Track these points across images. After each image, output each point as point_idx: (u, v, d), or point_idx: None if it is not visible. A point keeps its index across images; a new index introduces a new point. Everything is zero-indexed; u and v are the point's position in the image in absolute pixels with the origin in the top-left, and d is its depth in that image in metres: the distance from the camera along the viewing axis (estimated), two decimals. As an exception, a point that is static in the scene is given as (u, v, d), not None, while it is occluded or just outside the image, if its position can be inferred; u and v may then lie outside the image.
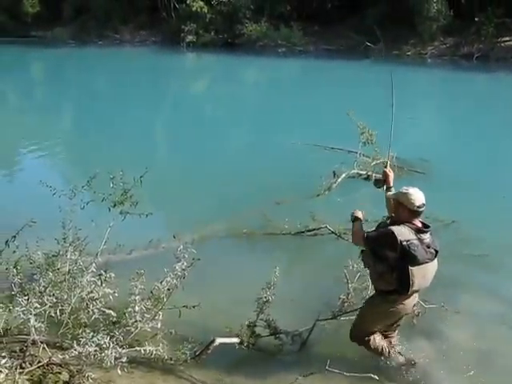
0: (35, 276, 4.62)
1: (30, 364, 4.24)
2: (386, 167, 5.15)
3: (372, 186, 5.39)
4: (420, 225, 4.52)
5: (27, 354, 4.32)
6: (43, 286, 4.43)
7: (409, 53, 32.50)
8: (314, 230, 7.48)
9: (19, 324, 4.45)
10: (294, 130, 13.55)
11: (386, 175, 5.03)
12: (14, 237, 4.55)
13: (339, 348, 5.00)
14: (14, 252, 4.60)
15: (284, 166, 10.17)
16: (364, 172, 9.76)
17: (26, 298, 4.25)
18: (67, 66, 32.77)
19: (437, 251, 4.48)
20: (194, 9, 37.67)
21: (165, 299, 4.51)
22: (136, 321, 4.38)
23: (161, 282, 4.54)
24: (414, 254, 4.33)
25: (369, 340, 4.82)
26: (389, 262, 4.45)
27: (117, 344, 4.14)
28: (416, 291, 4.59)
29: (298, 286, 6.10)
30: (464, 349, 5.17)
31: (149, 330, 4.42)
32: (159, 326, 4.41)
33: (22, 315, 4.17)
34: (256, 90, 23.84)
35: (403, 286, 4.44)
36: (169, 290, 4.54)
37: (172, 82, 26.03)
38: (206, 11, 37.83)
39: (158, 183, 8.00)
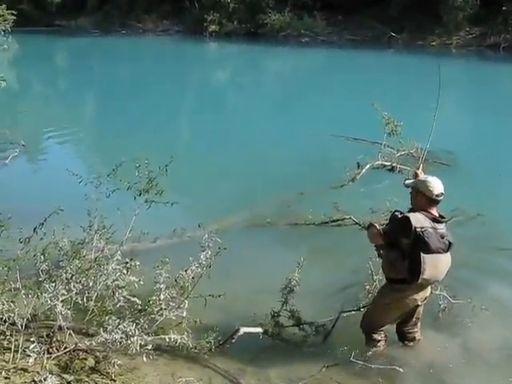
0: (61, 263, 4.65)
1: (56, 349, 4.30)
2: (418, 168, 5.08)
3: (396, 177, 5.35)
4: (437, 214, 4.50)
5: (54, 339, 4.38)
6: (70, 273, 4.46)
7: (433, 43, 32.03)
8: (337, 220, 7.45)
9: (46, 310, 4.50)
10: (317, 121, 13.50)
11: (416, 176, 4.95)
12: (42, 224, 4.59)
13: (364, 339, 4.97)
14: (42, 239, 4.64)
15: (308, 157, 10.12)
16: (388, 163, 9.69)
17: (54, 284, 4.29)
18: (91, 55, 32.98)
19: (451, 243, 4.45)
20: (217, -2, 37.64)
21: (190, 288, 4.52)
22: (161, 309, 4.41)
23: (185, 271, 4.56)
24: (427, 240, 4.32)
25: (373, 338, 4.82)
26: (402, 248, 4.45)
27: (142, 331, 4.18)
28: (427, 282, 4.53)
29: (322, 276, 6.08)
30: (490, 345, 5.07)
31: (174, 318, 4.44)
32: (184, 314, 4.42)
33: (49, 301, 4.22)
34: (279, 79, 23.74)
35: (413, 274, 4.41)
36: (193, 278, 4.56)
37: (195, 71, 26.07)
38: (228, 1, 37.75)
39: (182, 172, 8.02)
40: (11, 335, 4.18)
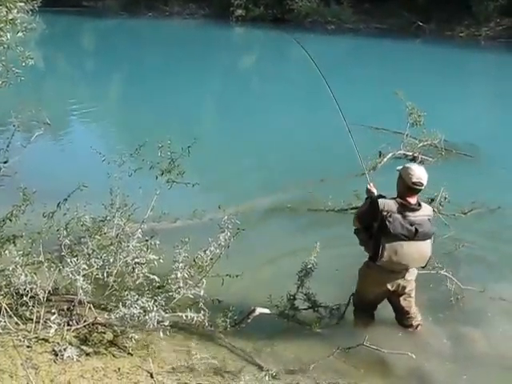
0: (83, 239, 4.75)
1: (76, 322, 4.39)
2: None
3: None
4: (413, 202, 4.61)
5: (74, 312, 4.48)
6: (91, 249, 4.55)
7: (462, 34, 31.51)
8: (357, 208, 7.45)
9: (67, 284, 4.61)
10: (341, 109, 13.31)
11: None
12: (66, 200, 4.69)
13: (377, 324, 5.03)
14: (65, 214, 4.74)
15: (330, 144, 10.10)
16: (410, 153, 9.65)
17: (75, 259, 4.39)
18: (117, 37, 33.05)
19: (417, 231, 4.51)
20: (244, -18, 37.43)
21: (208, 268, 4.59)
22: (179, 287, 4.48)
23: (204, 251, 4.63)
24: (388, 225, 4.48)
25: (359, 314, 5.06)
26: (372, 230, 4.64)
27: (160, 308, 4.26)
28: (389, 266, 4.62)
29: (339, 261, 6.11)
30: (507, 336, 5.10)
31: (191, 296, 4.50)
32: (202, 293, 4.49)
33: (70, 275, 4.32)
34: (304, 66, 23.54)
35: (374, 255, 4.62)
36: (211, 259, 4.63)
37: (220, 55, 26.00)
38: (256, -15, 37.53)
39: (205, 154, 8.08)
40: (33, 306, 4.27)
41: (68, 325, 4.31)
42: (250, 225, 4.93)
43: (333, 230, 7.21)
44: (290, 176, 8.86)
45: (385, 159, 9.33)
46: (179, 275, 4.47)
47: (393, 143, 9.78)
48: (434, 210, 6.99)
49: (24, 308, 4.33)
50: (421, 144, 9.77)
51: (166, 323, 4.30)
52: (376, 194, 4.98)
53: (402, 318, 5.01)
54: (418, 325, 5.02)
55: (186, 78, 18.94)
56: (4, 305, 4.18)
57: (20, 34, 5.29)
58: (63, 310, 4.55)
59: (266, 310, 4.81)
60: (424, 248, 4.65)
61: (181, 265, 4.53)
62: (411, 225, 4.53)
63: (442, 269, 5.65)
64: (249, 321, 4.74)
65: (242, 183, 8.54)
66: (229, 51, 28.12)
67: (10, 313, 4.22)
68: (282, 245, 6.60)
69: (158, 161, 5.21)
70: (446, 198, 7.29)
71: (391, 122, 10.78)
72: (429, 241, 4.68)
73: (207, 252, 4.61)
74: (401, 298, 4.89)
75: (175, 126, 11.06)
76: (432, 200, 7.20)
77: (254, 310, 4.75)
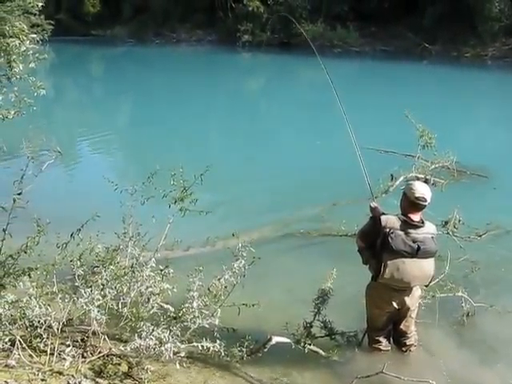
0: (96, 269, 4.72)
1: (91, 354, 4.35)
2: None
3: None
4: (417, 219, 4.60)
5: (88, 344, 4.44)
6: (105, 279, 4.52)
7: (467, 54, 31.65)
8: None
9: (81, 315, 4.57)
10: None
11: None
12: (79, 230, 4.67)
13: (395, 350, 4.94)
14: (78, 245, 4.72)
15: (341, 168, 10.07)
16: (422, 175, 9.59)
17: (89, 289, 4.36)
18: (125, 64, 33.47)
19: (420, 248, 4.49)
20: (250, 8, 37.92)
21: (223, 297, 4.54)
22: (194, 317, 4.43)
23: (219, 280, 4.58)
24: (390, 241, 4.47)
25: (373, 339, 4.92)
26: (375, 248, 4.61)
27: (175, 339, 4.21)
28: (391, 283, 4.59)
29: (354, 287, 6.01)
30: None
31: (207, 326, 4.45)
32: (217, 322, 4.44)
33: (84, 306, 4.29)
34: (311, 89, 23.67)
35: (376, 272, 4.59)
36: (226, 287, 4.58)
37: (228, 81, 26.20)
38: (262, 11, 37.95)
39: (217, 181, 8.08)
40: (47, 338, 4.24)
41: (83, 357, 4.28)
42: (263, 252, 4.88)
43: (347, 255, 7.14)
44: (302, 200, 8.82)
45: (397, 182, 9.26)
46: (195, 305, 4.42)
47: (404, 166, 9.73)
48: (448, 233, 7.01)
49: (38, 340, 4.30)
50: (432, 166, 9.72)
51: (182, 354, 4.25)
52: (380, 212, 4.96)
53: (399, 337, 4.96)
54: (412, 345, 4.96)
55: (195, 103, 19.07)
56: (18, 337, 4.15)
57: (32, 65, 5.35)
58: (77, 341, 4.52)
59: (283, 339, 4.74)
60: (426, 266, 4.62)
61: (195, 294, 4.49)
62: (414, 242, 4.53)
63: (458, 291, 5.58)
64: (265, 350, 4.66)
65: (255, 209, 8.52)
66: (237, 76, 28.34)
67: (24, 345, 4.19)
68: (297, 271, 6.56)
69: (170, 189, 5.20)
70: (460, 220, 7.20)
71: (402, 145, 10.75)
72: (431, 259, 4.66)
73: (221, 280, 4.56)
74: (403, 318, 4.83)
75: (186, 152, 11.11)
76: (446, 222, 7.13)
77: (270, 339, 4.68)
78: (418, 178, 9.55)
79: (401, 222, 4.57)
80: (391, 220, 4.59)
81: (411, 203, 4.59)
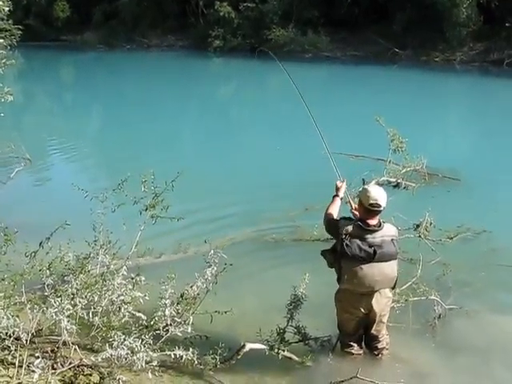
0: (66, 278, 4.64)
1: (61, 365, 4.26)
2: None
3: (401, 194, 5.39)
4: (374, 223, 4.58)
5: (59, 354, 4.36)
6: (75, 288, 4.44)
7: (437, 59, 32.08)
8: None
9: (51, 325, 4.49)
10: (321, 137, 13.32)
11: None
12: (48, 238, 4.59)
13: (369, 354, 4.94)
14: (47, 253, 4.64)
15: (312, 173, 10.08)
16: (394, 179, 9.67)
17: (59, 299, 4.27)
18: (96, 70, 33.14)
19: (376, 252, 4.47)
20: (221, 14, 37.83)
21: (195, 304, 4.50)
22: (167, 325, 4.38)
23: (191, 287, 4.55)
24: (345, 248, 4.48)
25: (348, 346, 4.90)
26: (336, 253, 4.62)
27: (147, 347, 4.15)
28: (353, 288, 4.60)
29: (327, 292, 6.00)
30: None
31: (179, 334, 4.41)
32: (189, 330, 4.39)
33: (54, 316, 4.20)
34: (282, 95, 23.68)
35: (338, 279, 4.66)
36: (198, 294, 4.55)
37: (199, 86, 26.11)
38: (233, 16, 37.95)
39: (188, 187, 7.99)
40: (16, 350, 4.15)
41: (53, 368, 4.18)
42: (235, 258, 4.85)
43: (319, 259, 7.15)
44: (273, 206, 8.82)
45: (368, 186, 9.31)
46: (167, 313, 4.37)
47: (376, 170, 9.78)
48: (419, 236, 7.06)
49: (6, 352, 4.19)
50: (404, 170, 9.81)
51: (155, 363, 4.20)
52: (343, 194, 5.09)
53: (370, 341, 4.94)
54: (384, 348, 4.95)
55: (165, 108, 19.00)
56: (-16, 350, 4.05)
57: (-1, 71, 5.25)
58: (47, 352, 4.43)
59: (257, 346, 4.71)
60: (387, 269, 4.58)
61: (167, 301, 4.45)
62: (370, 246, 4.50)
63: (431, 294, 5.62)
64: (239, 357, 4.64)
65: (227, 215, 8.48)
66: (208, 81, 28.30)
67: (-9, 358, 4.09)
68: (270, 277, 6.52)
69: (141, 195, 5.15)
70: (431, 223, 7.25)
71: (373, 149, 10.82)
72: (393, 261, 4.62)
73: (194, 288, 4.53)
74: (373, 323, 4.81)
75: (157, 158, 11.02)
76: (417, 226, 7.17)
77: (243, 346, 4.65)
78: (389, 182, 9.66)
79: (356, 227, 4.55)
80: (347, 227, 4.56)
81: (366, 209, 4.57)
